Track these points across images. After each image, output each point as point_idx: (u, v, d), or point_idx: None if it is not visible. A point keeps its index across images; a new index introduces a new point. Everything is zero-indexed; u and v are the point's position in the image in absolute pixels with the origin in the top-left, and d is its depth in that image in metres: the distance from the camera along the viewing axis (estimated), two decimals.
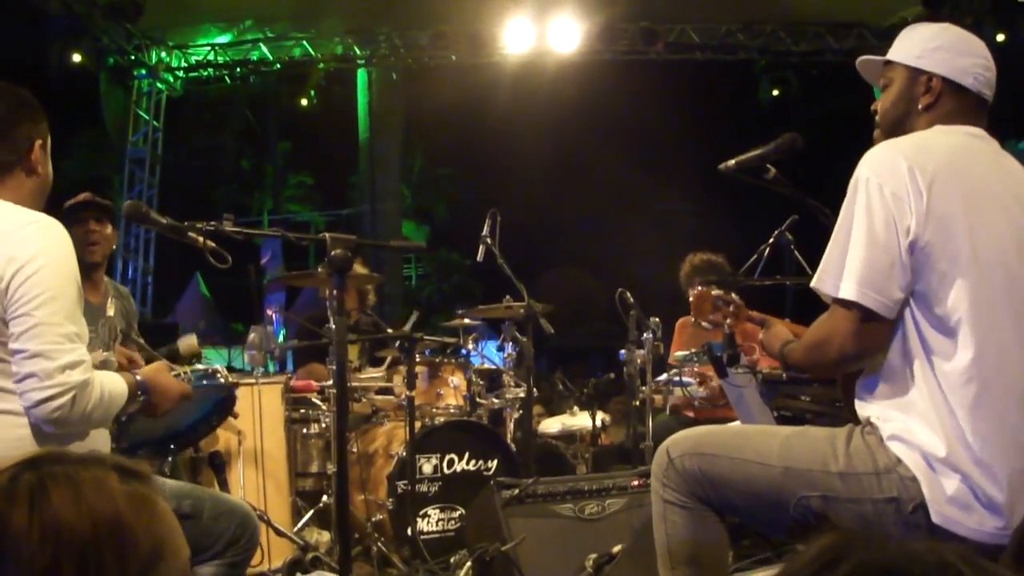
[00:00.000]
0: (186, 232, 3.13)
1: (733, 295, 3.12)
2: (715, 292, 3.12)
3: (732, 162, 3.14)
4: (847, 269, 2.36)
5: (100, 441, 2.72)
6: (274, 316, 6.75)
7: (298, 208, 26.18)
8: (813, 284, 2.47)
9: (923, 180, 2.33)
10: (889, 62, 2.63)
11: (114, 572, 1.08)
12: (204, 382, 3.36)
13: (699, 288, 3.17)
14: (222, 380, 3.48)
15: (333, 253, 3.13)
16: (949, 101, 2.53)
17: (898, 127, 2.60)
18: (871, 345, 2.40)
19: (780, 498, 2.50)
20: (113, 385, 2.60)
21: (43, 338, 2.42)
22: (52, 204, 2.86)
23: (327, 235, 3.20)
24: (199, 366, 3.41)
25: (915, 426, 2.34)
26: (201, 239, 3.13)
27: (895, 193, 2.33)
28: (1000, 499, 2.26)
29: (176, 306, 18.35)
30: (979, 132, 2.55)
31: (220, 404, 3.72)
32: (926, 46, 2.57)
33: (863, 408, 2.49)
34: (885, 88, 2.66)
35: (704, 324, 3.20)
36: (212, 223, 3.17)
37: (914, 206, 2.31)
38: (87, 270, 3.88)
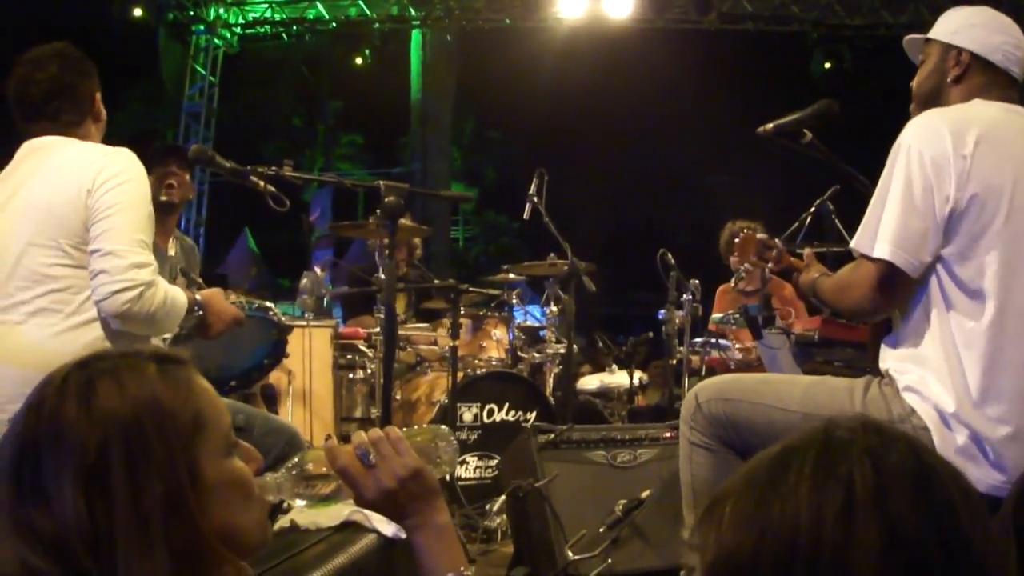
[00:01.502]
0: (247, 176, 3.30)
1: (776, 240, 3.22)
2: (760, 236, 3.23)
3: (770, 125, 3.24)
4: (883, 230, 2.46)
5: None
6: (324, 275, 6.88)
7: (348, 167, 26.25)
8: (852, 244, 2.57)
9: (965, 148, 2.42)
10: (929, 40, 2.75)
11: (157, 444, 1.21)
12: (257, 314, 3.50)
13: (744, 231, 3.28)
14: (274, 316, 3.62)
15: (386, 200, 3.27)
16: (978, 75, 2.63)
17: (931, 100, 2.71)
18: (889, 301, 2.52)
19: None
20: (176, 293, 2.84)
21: (116, 239, 2.68)
22: None
23: (381, 183, 3.34)
24: (254, 300, 3.56)
25: (930, 379, 2.44)
26: (262, 183, 3.30)
27: (935, 160, 2.42)
28: (1005, 455, 2.36)
29: (225, 259, 18.56)
30: (1016, 108, 2.62)
31: (273, 348, 3.86)
32: (961, 24, 2.69)
33: (883, 360, 2.61)
34: (922, 64, 2.77)
35: (746, 265, 3.30)
36: (272, 168, 3.33)
37: (954, 173, 2.41)
38: (162, 210, 4.04)
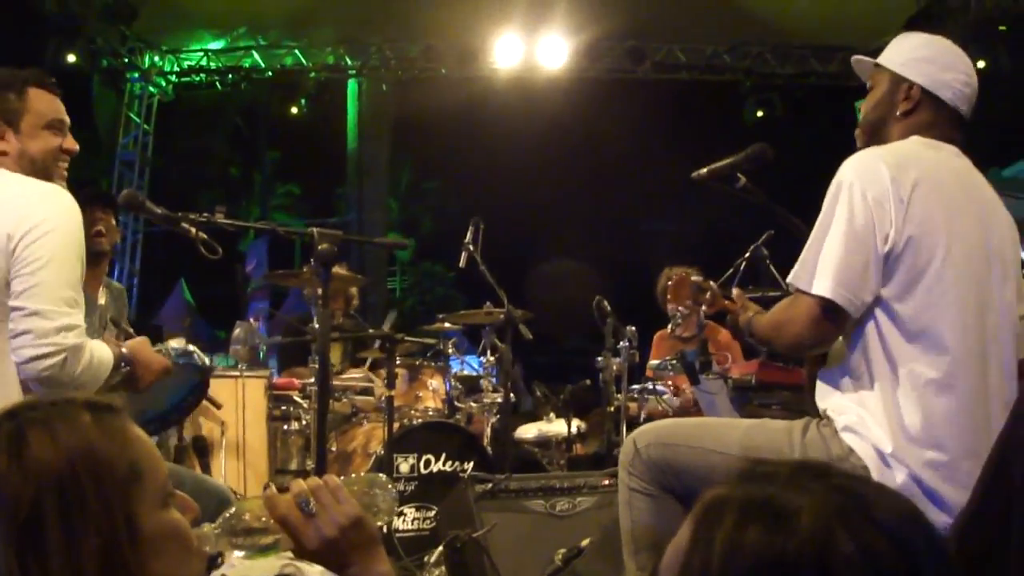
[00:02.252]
0: (179, 222, 3.24)
1: (710, 282, 3.22)
2: (694, 278, 3.23)
3: (704, 170, 3.24)
4: (824, 267, 2.45)
5: None
6: (259, 325, 6.81)
7: (285, 217, 26.14)
8: (789, 279, 2.56)
9: (904, 189, 2.43)
10: (878, 65, 2.73)
11: (93, 497, 1.17)
12: (183, 360, 3.43)
13: (679, 275, 3.27)
14: (198, 360, 3.56)
15: (320, 247, 3.24)
16: (926, 111, 2.62)
17: (877, 130, 2.71)
18: (826, 337, 2.53)
19: None
20: (102, 352, 2.70)
21: (43, 298, 2.52)
22: None
23: (314, 230, 3.31)
24: (175, 345, 3.47)
25: (868, 420, 2.45)
26: (194, 230, 3.25)
27: (877, 199, 2.42)
28: (945, 495, 2.37)
29: (160, 310, 18.32)
30: (954, 149, 2.64)
31: (195, 388, 3.76)
32: (912, 55, 2.68)
33: (821, 400, 2.61)
34: (871, 90, 2.76)
35: (681, 309, 3.29)
36: (205, 214, 3.28)
37: (894, 214, 2.41)
38: (94, 259, 3.94)
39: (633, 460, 2.85)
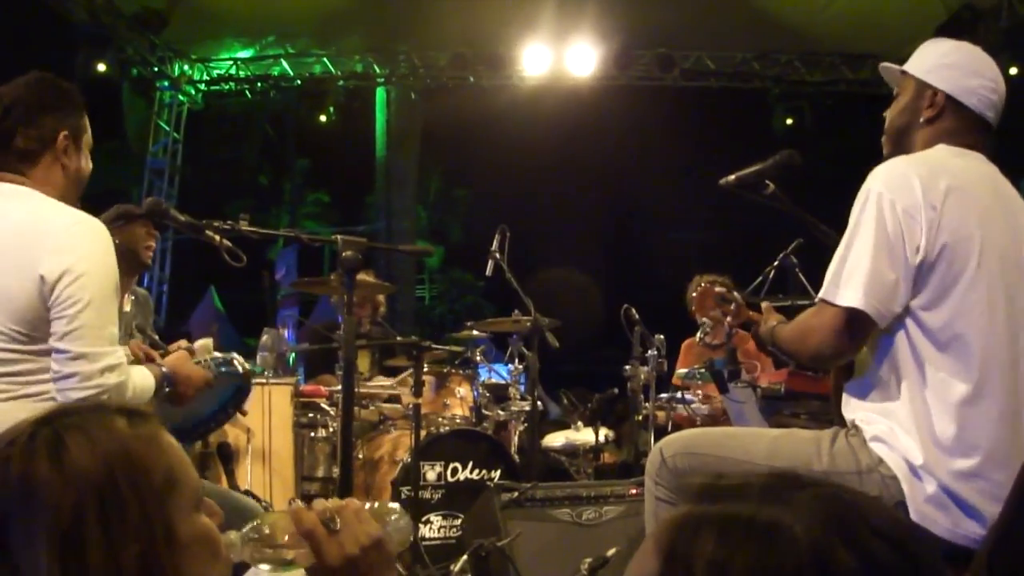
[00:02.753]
0: (203, 230, 3.25)
1: (735, 293, 3.20)
2: (718, 289, 3.21)
3: (732, 177, 3.23)
4: (853, 278, 2.41)
5: None
6: (286, 331, 6.83)
7: (314, 225, 26.24)
8: (820, 295, 2.52)
9: (936, 198, 2.39)
10: (904, 72, 2.71)
11: (132, 503, 1.16)
12: (224, 368, 3.44)
13: (702, 285, 3.26)
14: (239, 367, 3.56)
15: (344, 254, 3.24)
16: (951, 118, 2.59)
17: (902, 137, 2.69)
18: (847, 349, 2.49)
19: None
20: (143, 380, 2.72)
21: (87, 340, 2.50)
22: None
23: (339, 237, 3.31)
24: (217, 354, 3.48)
25: (898, 430, 2.42)
26: (218, 238, 3.25)
27: (907, 210, 2.39)
28: (978, 506, 2.33)
29: (189, 318, 18.43)
30: (981, 156, 2.61)
31: (236, 393, 3.79)
32: (938, 61, 2.65)
33: (849, 411, 2.58)
34: (897, 97, 2.74)
35: (705, 320, 3.28)
36: (229, 222, 3.28)
37: (925, 224, 2.38)
38: (138, 270, 3.97)
39: (660, 469, 2.83)
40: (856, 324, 2.42)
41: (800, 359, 2.91)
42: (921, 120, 2.63)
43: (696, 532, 0.92)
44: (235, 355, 3.65)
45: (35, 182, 2.68)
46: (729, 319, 3.19)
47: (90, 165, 2.88)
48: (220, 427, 4.36)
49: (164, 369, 2.90)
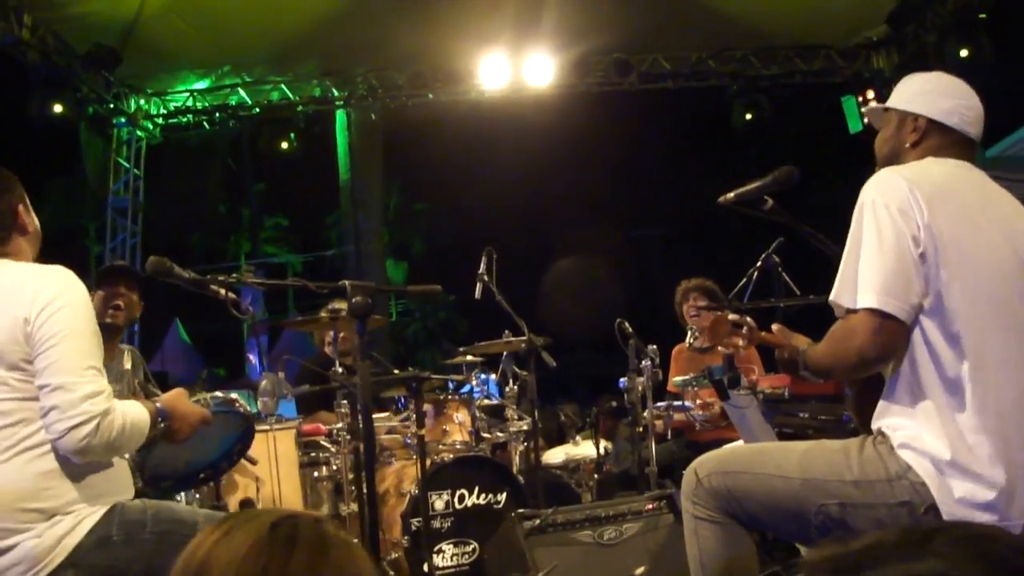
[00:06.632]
0: (208, 285, 3.25)
1: (747, 318, 3.23)
2: (731, 316, 3.24)
3: (731, 195, 3.30)
4: (864, 282, 2.50)
5: (121, 472, 2.81)
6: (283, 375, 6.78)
7: (274, 250, 26.10)
8: (831, 299, 2.62)
9: (922, 197, 2.51)
10: (887, 108, 2.88)
11: None
12: (223, 408, 3.43)
13: (715, 314, 3.29)
14: (240, 408, 3.55)
15: (354, 300, 3.24)
16: (934, 138, 2.77)
17: (890, 162, 2.83)
18: (890, 347, 2.53)
19: (801, 508, 2.65)
20: (135, 414, 2.72)
21: (64, 371, 2.55)
22: None
23: (346, 282, 3.31)
24: (218, 393, 3.47)
25: (923, 432, 2.48)
26: (223, 291, 3.26)
27: (901, 208, 2.51)
28: (1002, 496, 2.39)
29: (157, 353, 18.30)
30: (966, 163, 2.74)
31: (241, 437, 3.78)
32: (915, 91, 2.85)
33: (876, 418, 2.63)
34: (882, 129, 2.92)
35: (721, 348, 3.32)
36: (234, 276, 3.29)
37: (918, 220, 2.49)
38: (107, 332, 3.93)
39: (696, 489, 2.88)
40: (886, 323, 2.48)
41: (838, 374, 2.91)
42: (907, 145, 2.81)
43: None
44: (236, 396, 3.64)
45: (11, 256, 2.80)
46: (743, 343, 3.22)
47: (35, 218, 2.96)
48: (225, 472, 4.34)
49: (159, 404, 2.90)
